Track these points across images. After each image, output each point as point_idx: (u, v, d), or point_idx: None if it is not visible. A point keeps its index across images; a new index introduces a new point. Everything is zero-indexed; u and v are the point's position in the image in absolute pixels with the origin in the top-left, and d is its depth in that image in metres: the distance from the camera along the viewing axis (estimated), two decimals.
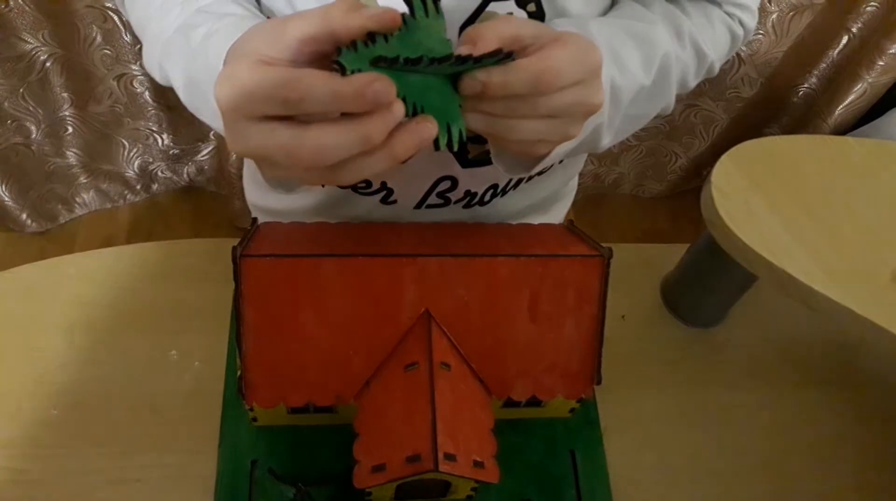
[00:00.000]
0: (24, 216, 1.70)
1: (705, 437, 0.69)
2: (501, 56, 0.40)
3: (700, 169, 1.92)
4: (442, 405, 0.52)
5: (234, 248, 0.54)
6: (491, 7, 0.53)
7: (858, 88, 1.56)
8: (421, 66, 0.38)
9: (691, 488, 0.66)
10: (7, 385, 0.65)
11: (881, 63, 1.49)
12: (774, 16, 1.47)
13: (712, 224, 0.61)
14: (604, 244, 0.60)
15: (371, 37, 0.38)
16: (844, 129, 1.66)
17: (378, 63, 0.38)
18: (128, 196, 1.82)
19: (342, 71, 0.37)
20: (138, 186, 1.81)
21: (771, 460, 0.68)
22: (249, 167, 0.80)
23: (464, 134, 0.43)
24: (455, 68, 0.41)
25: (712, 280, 0.71)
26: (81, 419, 0.64)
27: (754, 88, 1.65)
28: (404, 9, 0.42)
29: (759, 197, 0.61)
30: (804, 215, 0.60)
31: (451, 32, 0.54)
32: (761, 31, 1.50)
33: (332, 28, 0.37)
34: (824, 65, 1.61)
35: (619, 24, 0.55)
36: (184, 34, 0.51)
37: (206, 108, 0.49)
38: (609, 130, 0.54)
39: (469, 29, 0.43)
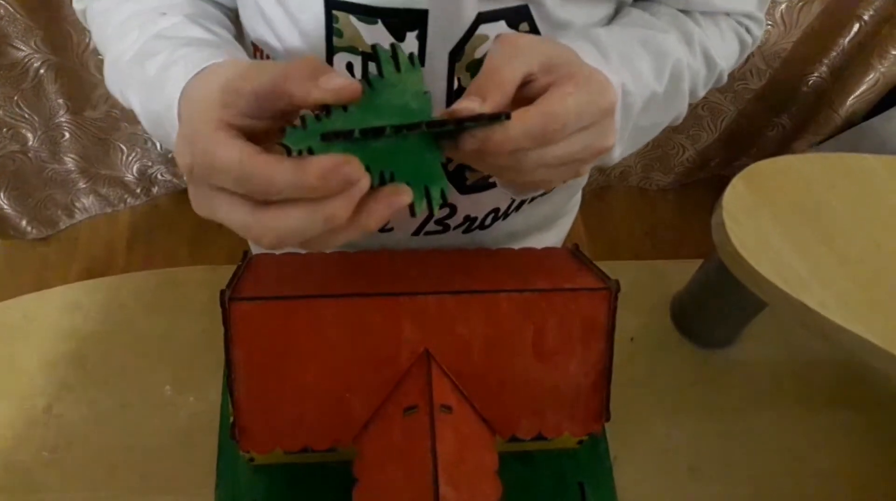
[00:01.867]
0: (24, 223, 1.68)
1: (719, 464, 0.67)
2: (487, 119, 0.36)
3: (707, 161, 1.88)
4: (443, 451, 0.50)
5: (223, 292, 0.51)
6: (481, 29, 0.50)
7: (871, 77, 1.52)
8: (383, 137, 0.35)
9: None
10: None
11: (894, 52, 1.45)
12: (783, 6, 1.43)
13: (723, 250, 0.58)
14: (614, 262, 0.57)
15: (326, 109, 0.35)
16: (856, 119, 1.63)
17: (329, 139, 0.34)
18: (128, 200, 1.80)
19: (288, 152, 0.34)
20: (138, 190, 1.79)
21: (790, 486, 0.66)
22: None
23: (446, 194, 0.39)
24: (430, 132, 0.37)
25: (724, 300, 0.69)
26: (74, 461, 0.62)
27: (763, 79, 1.61)
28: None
29: (773, 222, 0.58)
30: (820, 240, 0.57)
31: (441, 57, 0.51)
32: (770, 22, 1.46)
33: (289, 94, 0.35)
34: (835, 54, 1.56)
35: (629, 32, 0.52)
36: (140, 63, 0.48)
37: (169, 141, 0.46)
38: (620, 141, 0.51)
39: (474, 82, 0.40)
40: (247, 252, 0.60)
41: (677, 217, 1.94)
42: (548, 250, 0.64)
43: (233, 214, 0.36)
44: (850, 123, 1.64)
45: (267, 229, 0.35)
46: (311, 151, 0.34)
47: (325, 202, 0.34)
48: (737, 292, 0.67)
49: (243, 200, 0.36)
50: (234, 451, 0.62)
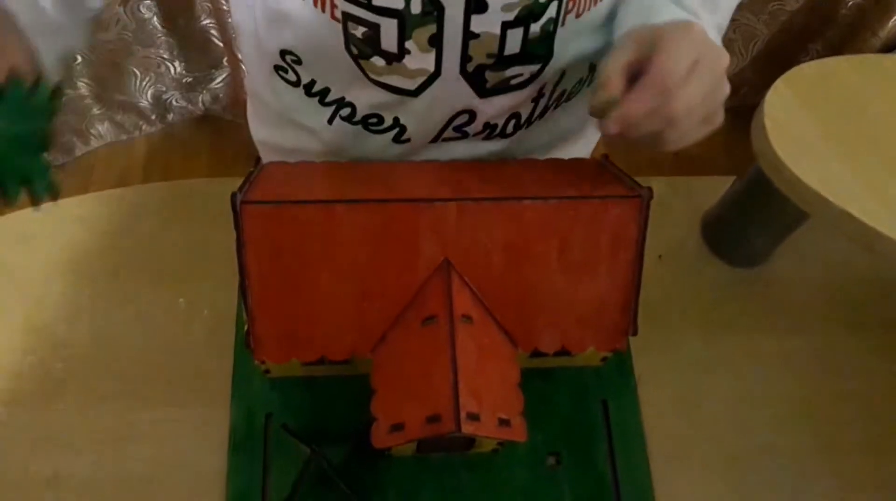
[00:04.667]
0: None
1: (748, 386, 0.64)
2: None
3: (737, 89, 1.82)
4: (464, 361, 0.48)
5: (234, 194, 0.49)
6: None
7: None
8: None
9: (732, 440, 0.62)
10: (7, 340, 0.62)
11: None
12: None
13: (763, 158, 0.54)
14: (639, 179, 0.54)
15: None
16: (894, 44, 1.55)
17: None
18: (143, 127, 1.77)
19: None
20: (153, 117, 1.76)
21: (818, 409, 0.64)
22: (253, 102, 0.74)
23: (54, 187, 0.43)
24: None
25: (760, 216, 0.66)
26: (87, 373, 0.61)
27: None
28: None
29: (817, 127, 0.54)
30: (868, 147, 0.54)
31: None
32: None
33: None
34: None
35: None
36: None
37: None
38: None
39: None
40: (258, 159, 0.58)
41: (704, 145, 1.88)
42: (575, 160, 0.61)
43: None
44: (888, 48, 1.57)
45: None
46: None
47: None
48: (774, 205, 0.63)
49: None
50: (249, 364, 0.61)
